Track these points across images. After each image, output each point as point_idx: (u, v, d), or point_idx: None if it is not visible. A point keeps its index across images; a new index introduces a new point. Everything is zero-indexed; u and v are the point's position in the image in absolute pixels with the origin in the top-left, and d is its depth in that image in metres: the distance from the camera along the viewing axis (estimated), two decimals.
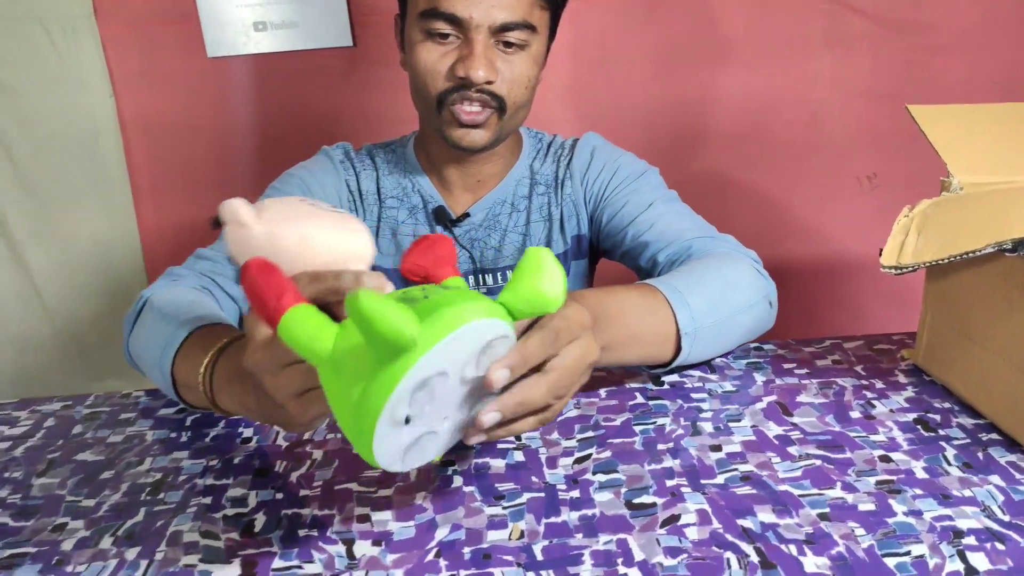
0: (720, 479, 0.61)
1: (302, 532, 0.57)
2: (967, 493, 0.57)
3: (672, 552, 0.53)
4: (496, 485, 0.61)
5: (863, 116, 1.49)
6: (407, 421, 0.45)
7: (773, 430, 0.67)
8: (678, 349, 0.72)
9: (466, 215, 0.97)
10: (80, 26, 1.38)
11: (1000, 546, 0.52)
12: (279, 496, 0.61)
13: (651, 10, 1.42)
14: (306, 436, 0.69)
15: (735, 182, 1.53)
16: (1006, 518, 0.54)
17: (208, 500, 0.61)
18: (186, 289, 0.80)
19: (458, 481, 0.62)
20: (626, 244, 0.93)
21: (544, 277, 0.49)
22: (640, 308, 0.71)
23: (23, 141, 1.44)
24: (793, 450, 0.64)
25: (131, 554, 0.55)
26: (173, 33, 1.39)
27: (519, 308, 0.49)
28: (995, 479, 0.59)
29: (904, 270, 0.62)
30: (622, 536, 0.55)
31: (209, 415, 0.74)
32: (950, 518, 0.55)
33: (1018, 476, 0.59)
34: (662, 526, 0.55)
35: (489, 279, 0.99)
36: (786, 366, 0.78)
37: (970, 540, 0.52)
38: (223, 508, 0.60)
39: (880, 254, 0.64)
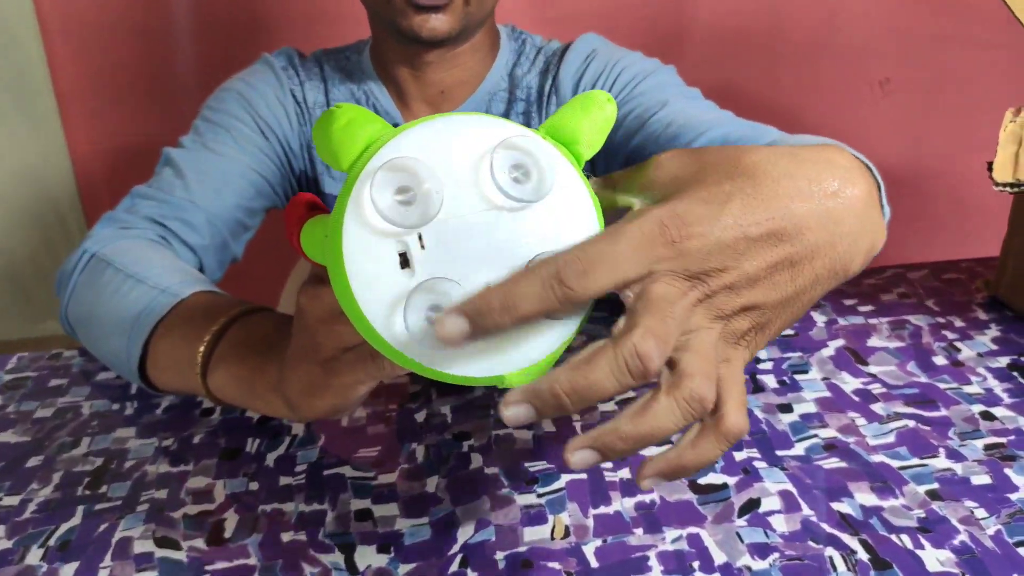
0: (799, 449, 0.50)
1: (286, 536, 0.45)
2: None
3: (759, 551, 0.42)
4: (525, 464, 0.49)
5: (880, 14, 1.35)
6: (406, 263, 0.32)
7: (849, 383, 0.56)
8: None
9: None
10: None
11: None
12: (253, 486, 0.49)
13: None
14: None
15: (740, 88, 1.40)
16: None
17: (163, 494, 0.49)
18: (142, 242, 0.65)
19: (476, 460, 0.50)
20: (638, 156, 0.76)
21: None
22: (848, 162, 0.39)
23: None
24: (878, 408, 0.53)
25: (67, 571, 0.43)
26: None
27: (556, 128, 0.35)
28: None
29: (1023, 187, 0.50)
30: (694, 530, 0.44)
31: None
32: None
33: None
34: (740, 515, 0.44)
35: None
36: (847, 302, 0.67)
37: None
38: (183, 504, 0.48)
39: (989, 169, 0.52)
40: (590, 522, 0.44)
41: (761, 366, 0.58)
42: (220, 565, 0.43)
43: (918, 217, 1.49)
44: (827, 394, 0.55)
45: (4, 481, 0.51)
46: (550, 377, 0.30)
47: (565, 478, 0.48)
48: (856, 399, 0.54)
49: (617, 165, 0.77)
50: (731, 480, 0.47)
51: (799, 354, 0.60)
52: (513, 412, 0.30)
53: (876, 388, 0.55)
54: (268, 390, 0.45)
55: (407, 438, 0.52)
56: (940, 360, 0.58)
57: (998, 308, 0.65)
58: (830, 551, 0.42)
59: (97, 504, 0.48)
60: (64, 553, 0.44)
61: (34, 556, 0.44)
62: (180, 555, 0.44)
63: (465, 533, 0.44)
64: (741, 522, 0.44)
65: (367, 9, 0.76)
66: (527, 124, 0.80)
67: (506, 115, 0.80)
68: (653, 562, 0.42)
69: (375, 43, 0.81)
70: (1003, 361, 0.58)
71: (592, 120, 0.35)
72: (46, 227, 1.36)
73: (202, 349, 0.49)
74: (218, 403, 0.51)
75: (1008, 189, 0.51)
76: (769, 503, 0.45)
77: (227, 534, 0.45)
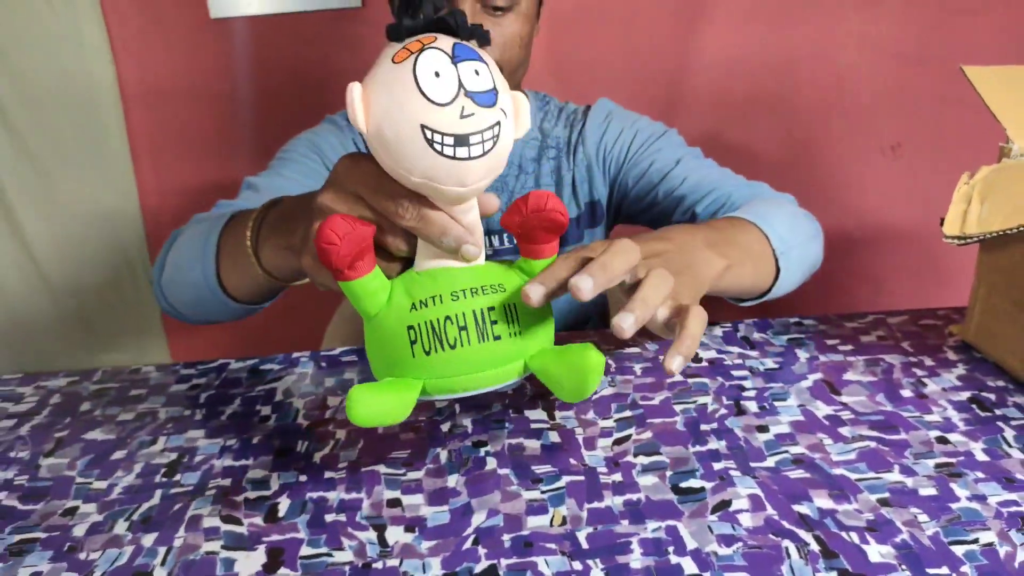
0: (770, 462, 0.57)
1: (329, 517, 0.53)
2: None
3: (726, 540, 0.49)
4: (533, 467, 0.58)
5: (890, 79, 1.44)
6: None
7: (822, 410, 0.63)
8: (775, 270, 0.74)
9: None
10: None
11: None
12: (303, 478, 0.58)
13: None
14: (327, 415, 0.66)
15: (754, 148, 1.49)
16: None
17: (227, 482, 0.58)
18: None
19: (491, 463, 0.58)
20: (659, 202, 0.91)
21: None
22: (738, 230, 0.71)
23: (19, 105, 1.39)
24: (845, 431, 0.60)
25: (148, 540, 0.52)
26: None
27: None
28: None
29: (968, 240, 0.58)
30: (671, 523, 0.51)
31: (223, 394, 0.71)
32: (1016, 503, 0.52)
33: None
34: (713, 512, 0.52)
35: (496, 240, 0.96)
36: (829, 342, 0.74)
37: None
38: (244, 491, 0.57)
39: (941, 223, 0.60)
40: (584, 514, 0.52)
41: (745, 394, 0.66)
42: (275, 537, 0.52)
43: (927, 270, 1.55)
44: (801, 418, 0.62)
45: (93, 469, 0.60)
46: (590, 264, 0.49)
47: (566, 479, 0.56)
48: (826, 423, 0.62)
49: (642, 206, 0.94)
50: (708, 485, 0.55)
51: (780, 384, 0.67)
52: (582, 281, 0.47)
53: (845, 414, 0.63)
54: (297, 251, 0.53)
55: (433, 444, 0.61)
56: (907, 392, 0.65)
57: (967, 351, 0.72)
58: (787, 543, 0.49)
59: (172, 489, 0.57)
60: (146, 526, 0.54)
61: (120, 527, 0.54)
62: (242, 529, 0.53)
63: (478, 519, 0.52)
64: (713, 518, 0.52)
65: None
66: (558, 168, 0.97)
67: (538, 159, 0.97)
68: (635, 546, 0.49)
69: None
70: (965, 395, 0.65)
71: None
72: (115, 268, 1.48)
73: (248, 234, 0.61)
74: (274, 281, 0.62)
75: (955, 241, 0.59)
76: (739, 504, 0.53)
77: (280, 514, 0.54)
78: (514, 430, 0.62)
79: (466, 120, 0.42)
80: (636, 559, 0.48)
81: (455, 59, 0.43)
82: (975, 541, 0.48)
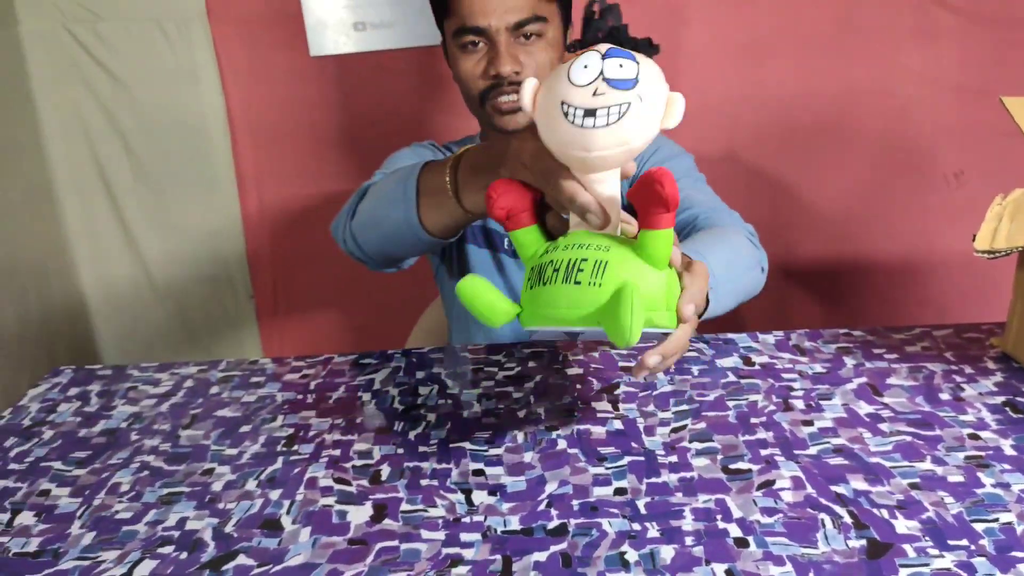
0: (813, 450, 0.64)
1: (424, 482, 0.63)
2: None
3: (768, 512, 0.57)
4: (598, 449, 0.66)
5: (951, 112, 1.48)
6: None
7: (864, 408, 0.70)
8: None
9: None
10: (193, 25, 1.48)
11: None
12: (400, 451, 0.67)
13: (738, 4, 1.44)
14: (418, 402, 0.75)
15: (819, 178, 1.54)
16: None
17: (337, 452, 0.68)
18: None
19: (562, 444, 0.67)
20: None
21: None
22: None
23: (139, 134, 1.55)
24: (884, 427, 0.67)
25: (275, 495, 0.62)
26: (279, 32, 1.47)
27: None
28: None
29: (997, 255, 0.64)
30: (720, 496, 0.59)
31: (329, 383, 0.81)
32: None
33: None
34: (758, 489, 0.59)
35: (507, 242, 1.05)
36: (876, 351, 0.80)
37: None
38: (351, 460, 0.66)
39: (974, 239, 0.66)
40: (643, 487, 0.60)
41: (794, 393, 0.73)
42: (379, 495, 0.61)
43: (993, 289, 1.57)
44: (844, 415, 0.69)
45: (224, 440, 0.71)
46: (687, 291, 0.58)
47: (627, 459, 0.64)
48: (867, 420, 0.68)
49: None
50: (755, 467, 0.62)
51: (827, 386, 0.74)
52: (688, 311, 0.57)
53: (885, 413, 0.69)
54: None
55: (511, 427, 0.70)
56: (945, 396, 0.71)
57: (1006, 361, 0.77)
58: (823, 515, 0.56)
59: (292, 457, 0.68)
60: (271, 484, 0.64)
61: (251, 484, 0.64)
62: (351, 488, 0.62)
63: (551, 487, 0.61)
64: (758, 494, 0.59)
65: (473, 114, 1.04)
66: None
67: None
68: (687, 513, 0.57)
69: (483, 134, 1.10)
70: (1000, 399, 0.70)
71: None
72: (216, 280, 1.63)
73: (447, 179, 0.73)
74: (471, 216, 0.73)
75: (985, 255, 0.65)
76: (781, 483, 0.60)
77: (383, 478, 0.63)
78: (582, 418, 0.71)
79: (597, 97, 0.53)
80: (688, 523, 0.56)
81: (605, 56, 0.54)
82: (995, 520, 0.55)
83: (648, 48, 0.57)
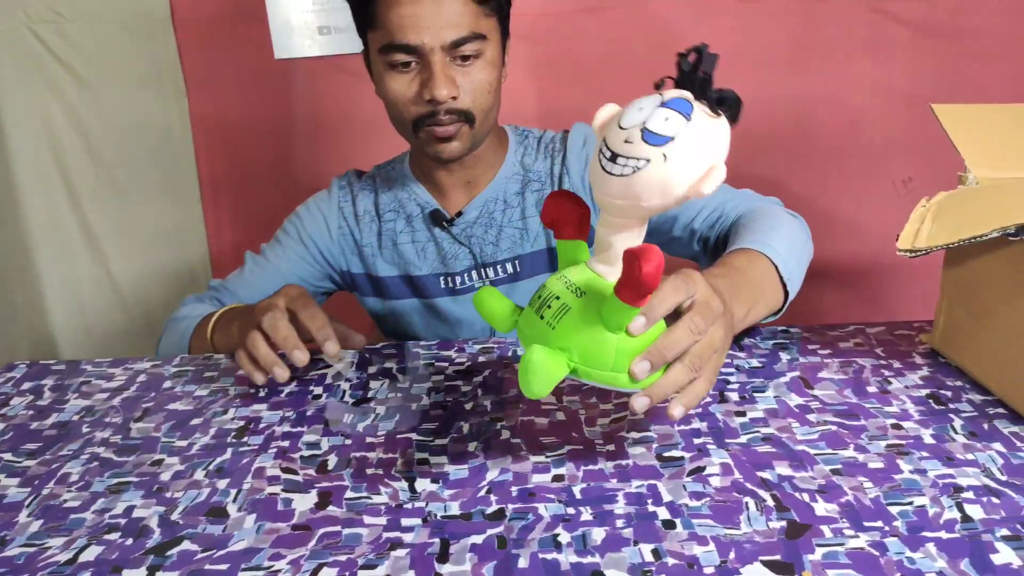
0: (743, 439, 0.67)
1: (370, 471, 0.65)
2: (970, 456, 0.63)
3: (696, 496, 0.59)
4: (540, 439, 0.68)
5: (901, 121, 1.53)
6: None
7: (794, 400, 0.73)
8: (783, 293, 0.82)
9: (459, 214, 1.04)
10: (158, 27, 1.49)
11: (995, 500, 0.57)
12: (348, 442, 0.69)
13: (697, 16, 1.48)
14: (369, 395, 0.77)
15: (775, 183, 1.58)
16: (1004, 478, 0.60)
17: (286, 444, 0.69)
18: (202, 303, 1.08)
19: (506, 434, 0.69)
20: (652, 222, 0.99)
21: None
22: (751, 268, 0.79)
23: (103, 134, 1.55)
24: (812, 417, 0.70)
25: (222, 484, 0.64)
26: (243, 35, 1.49)
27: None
28: (997, 446, 0.64)
29: (917, 253, 0.67)
30: (652, 482, 0.61)
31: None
32: (952, 476, 0.60)
33: (1019, 444, 0.64)
34: (688, 475, 0.62)
35: (490, 272, 1.05)
36: (810, 347, 0.84)
37: (968, 495, 0.58)
38: (299, 450, 0.68)
39: (897, 238, 0.69)
40: (580, 473, 0.63)
41: (729, 386, 0.76)
42: (324, 484, 0.63)
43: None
44: (775, 406, 0.72)
45: (175, 432, 0.73)
46: (655, 344, 0.56)
47: (567, 448, 0.66)
48: (796, 410, 0.71)
49: None
50: (687, 455, 0.65)
51: (761, 379, 0.77)
52: (639, 367, 0.55)
53: (814, 404, 0.72)
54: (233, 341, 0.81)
55: (457, 419, 0.72)
56: (872, 389, 0.75)
57: (934, 356, 0.81)
58: (747, 499, 0.59)
59: (241, 448, 0.69)
60: (219, 474, 0.65)
61: (199, 474, 0.65)
62: (297, 477, 0.64)
63: (491, 475, 0.63)
64: (688, 479, 0.62)
65: (402, 135, 1.00)
66: (542, 198, 1.04)
67: (522, 193, 1.05)
68: (620, 497, 0.60)
69: (414, 152, 1.08)
70: (923, 392, 0.74)
71: None
72: (180, 281, 1.64)
73: (210, 325, 0.92)
74: (216, 351, 0.91)
75: (907, 254, 0.68)
76: (711, 469, 0.63)
77: (330, 467, 0.65)
78: (527, 410, 0.73)
79: (625, 145, 0.52)
80: (620, 507, 0.58)
81: (662, 104, 0.52)
82: (910, 504, 0.58)
83: (731, 105, 0.53)
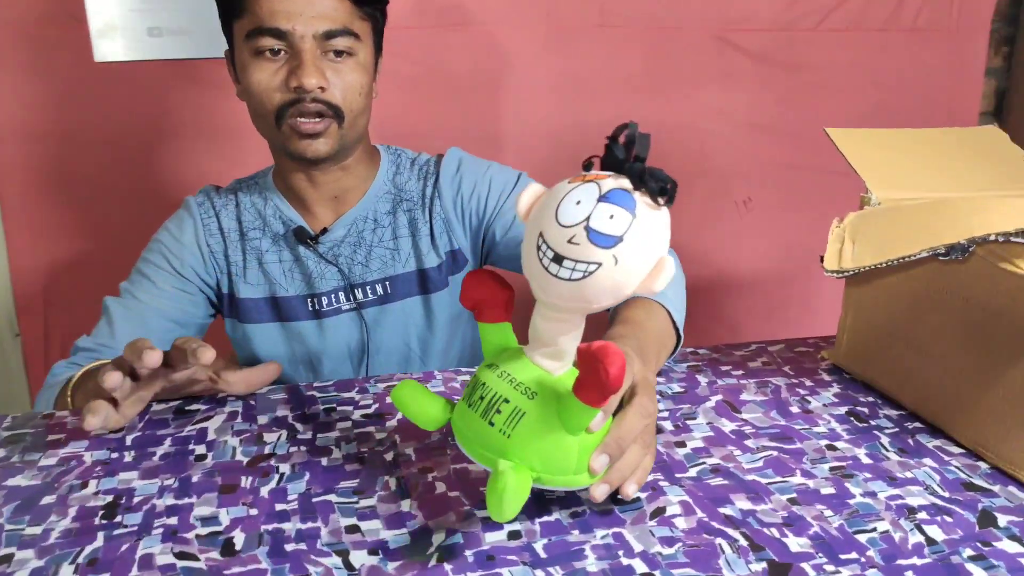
0: (692, 472, 0.63)
1: (289, 547, 0.54)
2: (908, 475, 0.63)
3: (667, 542, 0.55)
4: (480, 489, 0.61)
5: (743, 145, 1.60)
6: None
7: (727, 426, 0.71)
8: (676, 336, 0.81)
9: (324, 231, 0.96)
10: None
11: (948, 519, 0.58)
12: (253, 512, 0.58)
13: (561, 44, 1.47)
14: (266, 451, 0.66)
15: None
16: (946, 495, 0.61)
17: (174, 521, 0.57)
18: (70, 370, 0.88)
19: (441, 487, 0.61)
20: (513, 245, 0.97)
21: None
22: (650, 321, 0.76)
23: None
24: (750, 443, 0.68)
25: None
26: (58, 35, 1.29)
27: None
28: (928, 461, 0.65)
29: (845, 273, 0.68)
30: (617, 530, 0.56)
31: (150, 436, 0.69)
32: (900, 497, 0.60)
33: (946, 458, 0.66)
34: (651, 518, 0.57)
35: (359, 293, 0.97)
36: (723, 368, 0.83)
37: (923, 515, 0.58)
38: (194, 528, 0.56)
39: (821, 260, 0.69)
40: (537, 527, 0.56)
41: (661, 415, 0.72)
42: (236, 569, 0.52)
43: (779, 306, 1.72)
44: (711, 433, 0.69)
45: (23, 515, 0.58)
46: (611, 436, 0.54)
47: None
48: (733, 437, 0.69)
49: (517, 254, 0.95)
50: (643, 495, 0.60)
51: (688, 406, 0.74)
52: (599, 462, 0.53)
53: (747, 429, 0.70)
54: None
55: (380, 472, 0.63)
56: (795, 409, 0.74)
57: (838, 372, 0.82)
58: (719, 540, 0.55)
59: (115, 531, 0.56)
60: (93, 567, 0.52)
61: (66, 571, 0.52)
62: (199, 564, 0.52)
63: (438, 538, 0.55)
64: (652, 523, 0.57)
65: (264, 136, 0.92)
66: (413, 220, 0.98)
67: (393, 212, 0.98)
68: (588, 552, 0.54)
69: (277, 166, 0.98)
70: (842, 409, 0.74)
71: None
72: None
73: (69, 387, 0.78)
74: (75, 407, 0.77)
75: (835, 275, 0.68)
76: (672, 510, 0.58)
77: (238, 547, 0.54)
78: (456, 456, 0.65)
79: (570, 246, 0.47)
80: (592, 563, 0.52)
81: (602, 198, 0.47)
82: (874, 530, 0.56)
83: (671, 193, 0.48)
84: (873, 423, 0.72)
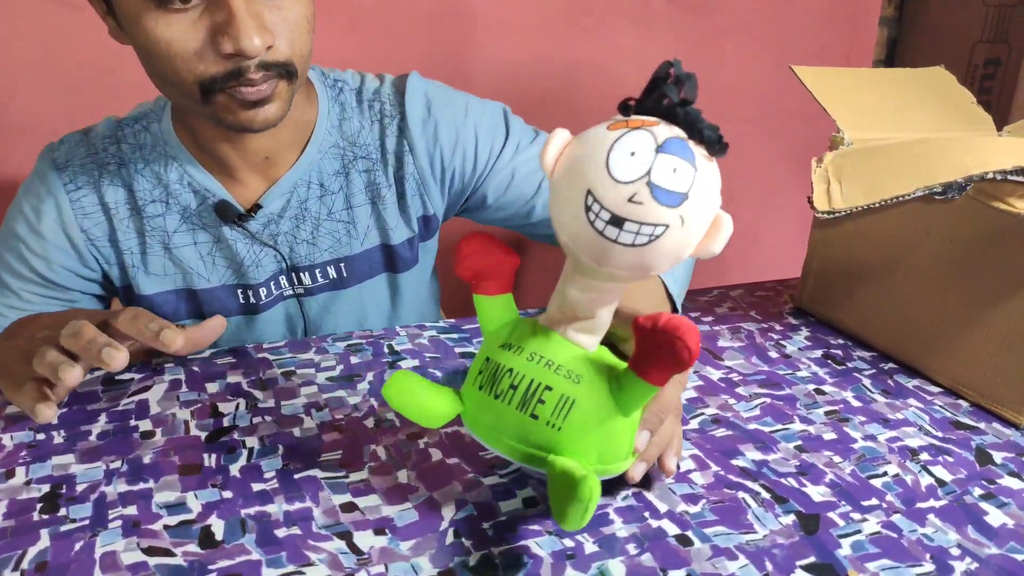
0: (694, 424, 0.61)
1: (280, 532, 0.47)
2: (899, 416, 0.63)
3: (691, 499, 0.52)
4: (480, 454, 0.55)
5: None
6: None
7: (714, 374, 0.68)
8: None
9: (257, 207, 0.75)
10: None
11: (949, 458, 0.58)
12: (228, 494, 0.50)
13: None
14: (225, 423, 0.58)
15: None
16: (939, 434, 0.61)
17: (132, 510, 0.48)
18: None
19: (436, 454, 0.55)
20: (536, 215, 0.84)
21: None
22: (653, 295, 0.67)
23: None
24: (741, 391, 0.66)
25: None
26: None
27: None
28: (913, 402, 0.65)
29: (838, 213, 0.66)
30: (636, 490, 0.52)
31: (80, 412, 0.59)
32: (899, 439, 0.60)
33: (928, 398, 0.66)
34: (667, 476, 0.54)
35: (306, 278, 0.79)
36: (692, 315, 0.80)
37: (925, 456, 0.58)
38: (159, 517, 0.48)
39: (810, 201, 0.67)
40: None
41: None
42: (223, 563, 0.44)
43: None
44: (700, 383, 0.67)
45: None
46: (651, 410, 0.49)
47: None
48: (723, 385, 0.67)
49: (508, 213, 0.85)
50: None
51: None
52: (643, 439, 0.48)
53: (735, 376, 0.68)
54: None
55: (364, 442, 0.56)
56: (773, 354, 0.73)
57: (803, 315, 0.82)
58: (742, 494, 0.52)
59: (62, 526, 0.47)
60: (43, 572, 0.43)
61: None
62: (177, 560, 0.44)
63: (449, 512, 0.49)
64: (670, 480, 0.53)
65: (170, 100, 0.72)
66: (373, 183, 0.79)
67: (345, 173, 0.78)
68: (612, 514, 0.50)
69: (180, 115, 0.74)
70: (817, 353, 0.73)
71: None
72: None
73: None
74: None
75: (826, 215, 0.67)
76: (686, 464, 0.55)
77: (219, 537, 0.46)
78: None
79: (632, 206, 0.39)
80: (619, 527, 0.49)
81: (661, 148, 0.39)
82: (884, 474, 0.55)
83: (718, 145, 0.41)
84: (851, 365, 0.71)
